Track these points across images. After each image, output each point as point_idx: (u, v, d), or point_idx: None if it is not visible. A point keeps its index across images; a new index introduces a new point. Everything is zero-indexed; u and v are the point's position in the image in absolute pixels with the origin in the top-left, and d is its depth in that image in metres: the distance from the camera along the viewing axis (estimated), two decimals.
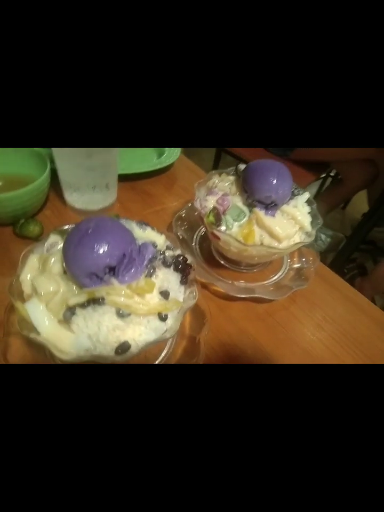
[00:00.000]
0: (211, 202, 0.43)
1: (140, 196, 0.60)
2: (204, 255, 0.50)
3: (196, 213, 0.50)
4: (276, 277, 0.48)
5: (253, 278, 0.48)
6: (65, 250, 0.29)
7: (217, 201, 0.43)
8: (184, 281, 0.34)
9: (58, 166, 0.49)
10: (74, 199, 0.52)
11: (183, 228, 0.51)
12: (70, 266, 0.29)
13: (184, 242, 0.50)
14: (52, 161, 0.49)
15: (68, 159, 0.47)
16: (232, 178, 0.46)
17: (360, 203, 1.72)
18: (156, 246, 0.33)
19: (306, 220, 0.42)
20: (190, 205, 0.54)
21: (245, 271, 0.49)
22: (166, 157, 0.66)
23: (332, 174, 1.73)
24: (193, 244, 0.50)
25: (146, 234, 0.35)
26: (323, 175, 1.70)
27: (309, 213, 0.43)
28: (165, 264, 0.32)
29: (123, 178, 0.58)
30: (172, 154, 0.67)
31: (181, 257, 0.34)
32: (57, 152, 0.47)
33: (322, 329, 0.44)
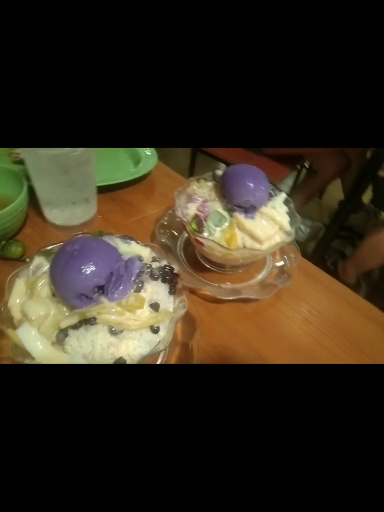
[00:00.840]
0: (192, 209, 0.44)
1: (120, 206, 0.60)
2: (189, 260, 0.50)
3: (177, 219, 0.50)
4: (260, 276, 0.49)
5: (238, 279, 0.49)
6: (52, 274, 0.29)
7: (198, 208, 0.44)
8: (172, 291, 0.35)
9: (36, 184, 0.48)
10: (55, 215, 0.52)
11: (166, 236, 0.52)
12: (59, 289, 0.29)
13: (169, 250, 0.50)
14: (28, 179, 0.49)
15: (44, 177, 0.47)
16: (210, 184, 0.47)
17: (336, 192, 1.77)
18: (142, 259, 0.34)
19: (284, 219, 0.43)
20: (171, 211, 0.55)
21: (230, 272, 0.50)
22: (143, 165, 0.66)
23: (306, 165, 1.77)
24: (177, 251, 0.51)
25: (131, 249, 0.35)
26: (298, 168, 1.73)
27: (287, 212, 0.45)
28: (153, 276, 0.33)
29: (102, 189, 0.58)
30: (148, 162, 0.67)
31: (168, 268, 0.35)
32: (33, 170, 0.46)
33: (309, 322, 0.45)
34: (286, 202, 0.46)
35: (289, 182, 1.80)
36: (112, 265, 0.30)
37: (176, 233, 0.53)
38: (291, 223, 0.44)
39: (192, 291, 0.46)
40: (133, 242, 0.36)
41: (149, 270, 0.33)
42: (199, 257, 0.51)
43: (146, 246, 0.37)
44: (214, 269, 0.49)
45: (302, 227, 1.63)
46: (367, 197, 1.50)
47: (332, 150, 1.39)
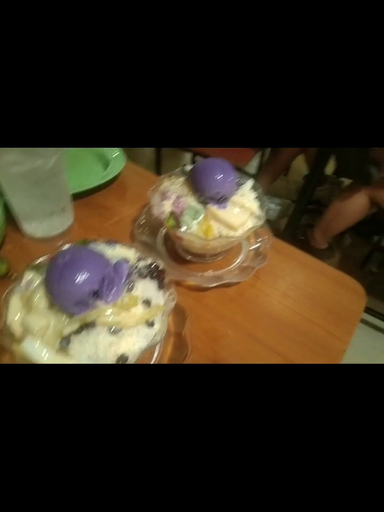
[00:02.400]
0: (167, 206, 0.47)
1: (96, 211, 0.62)
2: (170, 254, 0.53)
3: (154, 217, 0.53)
4: (238, 260, 0.53)
5: (219, 266, 0.52)
6: (48, 286, 0.31)
7: (173, 205, 0.46)
8: (161, 286, 0.37)
9: (11, 200, 0.49)
10: (34, 229, 0.53)
11: (145, 234, 0.54)
12: (57, 300, 0.31)
13: (150, 247, 0.53)
14: (2, 195, 0.49)
15: (19, 193, 0.48)
16: (181, 179, 0.49)
17: (300, 167, 1.83)
18: (129, 261, 0.36)
19: (254, 205, 0.47)
20: (146, 209, 0.57)
21: (210, 261, 0.53)
22: (112, 167, 0.68)
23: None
24: (158, 247, 0.54)
25: (117, 252, 0.37)
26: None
27: (255, 198, 0.48)
28: (141, 275, 0.35)
29: (76, 196, 0.59)
30: (117, 163, 0.68)
31: (154, 265, 0.38)
32: (7, 187, 0.47)
33: (288, 297, 0.49)
34: (254, 187, 0.49)
35: (255, 163, 1.84)
36: (102, 271, 0.32)
37: (154, 230, 0.55)
38: (260, 207, 0.47)
39: (178, 283, 0.49)
40: (117, 246, 0.38)
41: (136, 270, 0.35)
42: (179, 250, 0.53)
43: (130, 247, 0.39)
44: (195, 260, 0.52)
45: (272, 206, 1.68)
46: (330, 169, 1.57)
47: None
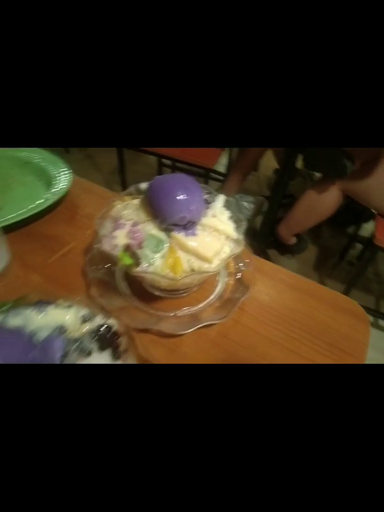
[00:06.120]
0: (121, 238, 0.37)
1: (39, 242, 0.50)
2: (134, 291, 0.43)
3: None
4: (217, 289, 0.44)
5: (195, 299, 0.43)
6: None
7: (128, 236, 0.36)
8: (117, 355, 0.28)
9: None
10: None
11: (100, 270, 0.43)
12: None
13: (107, 285, 0.42)
14: None
15: None
16: (136, 202, 0.39)
17: (269, 161, 1.77)
18: (65, 331, 0.26)
19: (229, 227, 0.38)
20: (98, 241, 0.46)
21: (185, 295, 0.43)
22: (56, 185, 0.56)
23: None
24: (118, 284, 0.43)
25: (48, 318, 0.27)
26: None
27: (229, 217, 0.39)
28: (84, 351, 0.25)
29: (14, 226, 0.48)
30: (62, 180, 0.57)
31: (103, 328, 0.28)
32: None
33: (278, 331, 0.41)
34: (227, 205, 0.40)
35: (223, 161, 1.76)
36: (22, 358, 0.22)
37: (111, 265, 0.45)
38: (237, 229, 0.38)
39: (147, 330, 0.39)
40: (50, 308, 0.28)
41: (77, 344, 0.25)
42: (146, 285, 0.43)
43: (69, 306, 0.29)
44: (165, 295, 0.43)
45: (246, 204, 1.61)
46: (301, 162, 1.52)
47: None
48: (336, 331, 0.41)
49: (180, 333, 0.38)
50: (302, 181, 1.69)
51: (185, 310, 0.41)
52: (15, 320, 0.25)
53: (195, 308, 0.42)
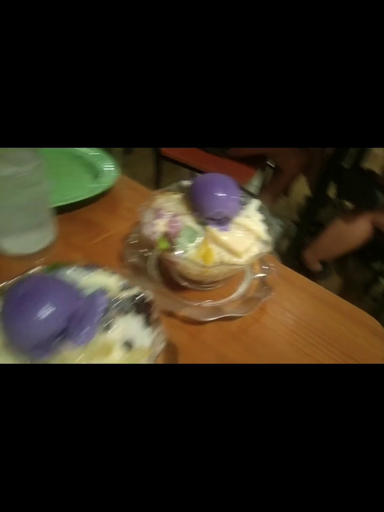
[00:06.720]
0: (160, 226, 0.40)
1: (82, 226, 0.55)
2: (164, 279, 0.46)
3: (144, 238, 0.46)
4: (241, 289, 0.46)
5: (219, 295, 0.46)
6: (4, 322, 0.24)
7: (167, 224, 0.40)
8: (148, 323, 0.31)
9: None
10: (9, 244, 0.46)
11: (136, 255, 0.47)
12: (13, 340, 0.24)
13: (140, 271, 0.46)
14: None
15: None
16: (177, 196, 0.43)
17: (302, 187, 1.79)
18: (108, 292, 0.29)
19: (260, 228, 0.40)
20: (139, 227, 0.50)
21: (209, 289, 0.46)
22: (103, 179, 0.62)
23: (271, 165, 1.78)
24: (150, 270, 0.47)
25: (94, 280, 0.31)
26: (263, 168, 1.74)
27: (261, 220, 0.42)
28: (123, 310, 0.29)
29: (60, 210, 0.53)
30: (109, 175, 0.63)
31: (140, 297, 0.31)
32: None
33: (296, 334, 0.43)
34: (260, 209, 0.43)
35: (256, 182, 1.80)
36: (71, 305, 0.26)
37: (147, 251, 0.49)
38: (268, 231, 0.41)
39: (171, 314, 0.42)
40: (96, 272, 0.31)
41: (117, 303, 0.29)
42: (174, 275, 0.47)
43: (112, 273, 0.32)
44: (192, 287, 0.46)
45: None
46: (333, 191, 1.53)
47: (294, 148, 1.40)
48: (352, 342, 0.42)
49: (202, 319, 0.40)
50: (332, 211, 1.70)
51: (209, 302, 0.44)
52: (65, 277, 0.29)
53: (218, 302, 0.44)
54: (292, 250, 1.47)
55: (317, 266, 1.49)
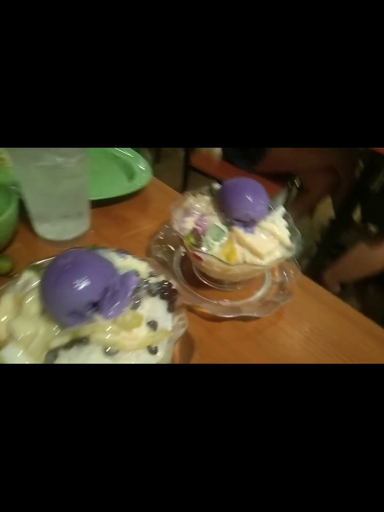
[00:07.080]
0: (189, 223, 0.43)
1: (114, 221, 0.58)
2: (186, 276, 0.49)
3: (173, 234, 0.49)
4: (260, 293, 0.48)
5: (237, 296, 0.47)
6: (43, 289, 0.27)
7: (195, 222, 0.42)
8: (171, 308, 0.33)
9: (26, 197, 0.46)
10: (46, 230, 0.50)
11: (162, 251, 0.50)
12: (50, 306, 0.27)
13: (165, 265, 0.48)
14: (18, 192, 0.47)
15: (36, 189, 0.45)
16: (207, 198, 0.46)
17: (326, 209, 1.79)
18: (139, 275, 0.32)
19: (284, 234, 0.42)
20: (166, 226, 0.53)
21: (229, 289, 0.48)
22: (137, 179, 0.65)
23: (297, 184, 1.79)
24: (174, 266, 0.49)
25: (127, 263, 0.33)
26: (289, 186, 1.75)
27: (286, 227, 0.44)
28: (150, 292, 0.31)
29: (95, 204, 0.57)
30: (143, 176, 0.66)
31: (166, 283, 0.33)
32: (23, 182, 0.45)
33: (311, 342, 0.43)
34: (285, 217, 0.45)
35: (280, 200, 1.81)
36: (107, 280, 0.28)
37: (172, 249, 0.51)
38: (291, 238, 0.43)
39: (190, 309, 0.44)
40: (129, 257, 0.34)
41: (146, 285, 0.31)
42: (196, 273, 0.49)
43: (142, 260, 0.35)
44: (212, 286, 0.48)
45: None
46: (358, 216, 1.53)
47: (322, 168, 1.41)
48: (368, 356, 0.43)
49: (220, 315, 0.42)
50: (356, 234, 1.68)
51: (227, 302, 0.46)
52: (104, 255, 0.32)
53: (236, 302, 0.46)
54: (311, 270, 1.46)
55: (336, 288, 1.47)
